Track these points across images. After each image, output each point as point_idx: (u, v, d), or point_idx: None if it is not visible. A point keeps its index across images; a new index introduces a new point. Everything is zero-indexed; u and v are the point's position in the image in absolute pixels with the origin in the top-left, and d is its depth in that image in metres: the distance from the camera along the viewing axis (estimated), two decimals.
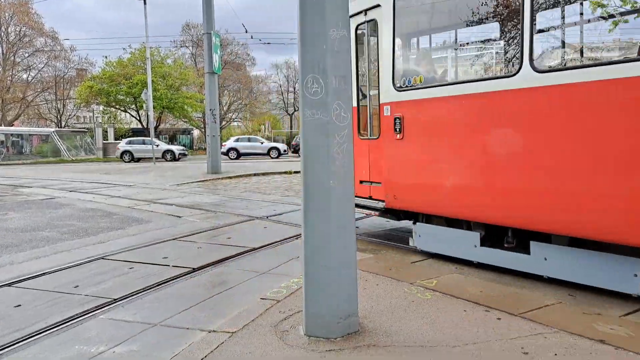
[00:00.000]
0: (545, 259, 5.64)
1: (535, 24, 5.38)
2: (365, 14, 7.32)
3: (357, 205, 7.01)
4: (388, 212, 7.18)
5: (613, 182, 4.71)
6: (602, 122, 4.75)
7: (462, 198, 6.15)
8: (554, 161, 5.14)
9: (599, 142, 4.79)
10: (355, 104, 7.25)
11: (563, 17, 5.97)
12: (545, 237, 5.68)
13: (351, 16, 7.27)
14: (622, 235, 4.71)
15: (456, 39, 7.19)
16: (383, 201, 7.00)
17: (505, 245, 6.20)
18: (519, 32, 5.48)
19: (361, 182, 7.14)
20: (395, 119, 6.84)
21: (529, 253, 5.84)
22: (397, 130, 6.84)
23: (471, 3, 6.35)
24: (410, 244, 7.11)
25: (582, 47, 6.19)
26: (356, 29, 7.43)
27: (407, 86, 6.85)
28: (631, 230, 4.62)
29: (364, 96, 7.46)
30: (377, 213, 7.11)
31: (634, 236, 4.61)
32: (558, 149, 5.09)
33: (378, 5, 7.16)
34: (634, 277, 4.98)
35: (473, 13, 6.45)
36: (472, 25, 6.64)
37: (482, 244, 6.27)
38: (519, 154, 5.42)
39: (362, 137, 7.23)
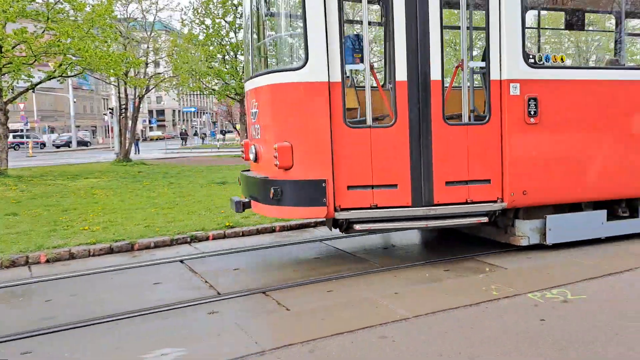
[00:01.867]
0: (587, 221, 6.36)
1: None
2: None
3: (442, 217, 5.65)
4: (504, 214, 6.06)
5: None
6: None
7: (598, 181, 6.22)
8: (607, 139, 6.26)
9: None
10: (439, 77, 5.52)
11: None
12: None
13: None
14: None
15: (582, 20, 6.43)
16: (496, 201, 5.79)
17: (622, 214, 6.33)
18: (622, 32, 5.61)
19: (448, 183, 5.67)
20: (529, 100, 5.58)
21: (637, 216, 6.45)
22: (532, 113, 5.62)
23: None
24: (514, 241, 6.21)
25: None
26: None
27: (544, 63, 5.63)
28: None
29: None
30: (483, 219, 5.82)
31: None
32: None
33: None
34: None
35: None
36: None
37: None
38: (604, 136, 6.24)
39: (451, 123, 5.64)
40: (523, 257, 5.99)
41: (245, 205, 6.13)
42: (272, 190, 5.53)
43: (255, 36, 6.21)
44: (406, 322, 3.92)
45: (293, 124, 5.51)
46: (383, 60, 5.96)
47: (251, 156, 6.20)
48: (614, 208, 6.58)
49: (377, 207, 5.60)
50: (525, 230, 6.20)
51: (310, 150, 5.47)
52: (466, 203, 5.78)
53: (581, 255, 5.97)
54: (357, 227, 5.61)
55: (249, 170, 6.61)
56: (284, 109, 5.57)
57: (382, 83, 6.51)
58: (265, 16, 6.22)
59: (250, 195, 6.11)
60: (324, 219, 6.07)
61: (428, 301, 4.43)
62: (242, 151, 6.89)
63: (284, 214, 5.74)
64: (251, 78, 6.19)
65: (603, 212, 6.40)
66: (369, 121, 5.55)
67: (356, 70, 5.73)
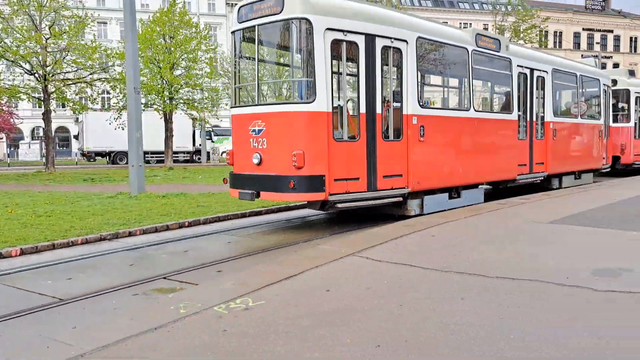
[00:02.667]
0: (465, 197, 11.25)
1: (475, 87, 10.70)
2: (390, 42, 9.31)
3: (382, 197, 9.48)
4: (412, 196, 10.04)
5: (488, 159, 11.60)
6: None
7: (453, 175, 10.77)
8: (477, 150, 11.29)
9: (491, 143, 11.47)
10: (380, 111, 9.31)
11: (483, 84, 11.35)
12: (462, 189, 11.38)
13: (378, 36, 9.10)
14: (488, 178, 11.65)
15: (447, 82, 10.88)
16: (406, 187, 9.79)
17: (454, 196, 11.00)
18: (469, 88, 10.42)
19: (384, 176, 9.49)
20: (420, 126, 9.77)
21: (459, 196, 10.98)
22: (422, 134, 9.83)
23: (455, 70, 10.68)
24: (407, 213, 10.20)
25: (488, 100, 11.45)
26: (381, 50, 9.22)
27: (426, 105, 9.94)
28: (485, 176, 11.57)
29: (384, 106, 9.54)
30: (400, 199, 9.73)
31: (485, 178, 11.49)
32: (480, 145, 11.42)
33: (404, 40, 9.45)
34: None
35: (454, 72, 11.01)
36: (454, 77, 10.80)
37: (448, 199, 10.78)
38: (471, 149, 11.17)
39: (385, 140, 9.45)
40: (213, 271, 6.68)
41: (256, 195, 8.82)
42: (291, 182, 8.42)
43: (260, 74, 8.98)
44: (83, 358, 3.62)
45: (305, 138, 8.51)
46: (356, 97, 9.28)
47: (255, 161, 8.89)
48: (451, 192, 10.99)
49: (348, 193, 8.92)
50: (413, 206, 10.17)
51: (315, 155, 8.52)
52: (392, 189, 9.50)
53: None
54: (339, 205, 8.85)
55: (239, 174, 9.21)
56: (299, 128, 8.52)
57: (353, 113, 9.74)
58: (271, 63, 9.07)
59: (261, 188, 8.80)
60: (305, 202, 9.13)
61: (114, 330, 4.11)
62: (228, 158, 9.46)
63: (299, 198, 8.67)
64: (254, 106, 8.93)
65: (446, 195, 10.81)
66: (345, 137, 8.86)
67: (338, 104, 8.96)
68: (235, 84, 9.72)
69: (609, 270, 5.41)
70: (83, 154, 40.54)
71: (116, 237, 8.95)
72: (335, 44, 8.68)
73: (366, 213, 10.74)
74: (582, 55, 69.11)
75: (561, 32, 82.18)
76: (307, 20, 8.44)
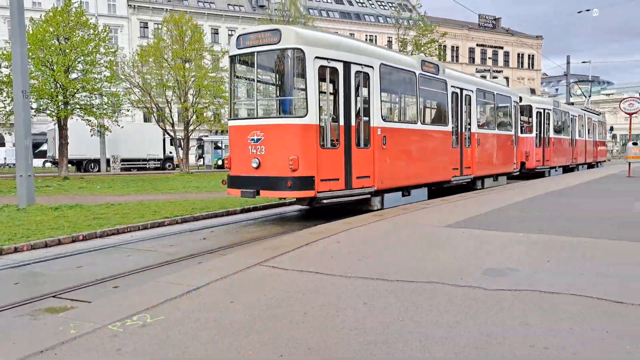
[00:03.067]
0: (414, 195, 13.68)
1: (421, 104, 13.36)
2: (361, 67, 11.49)
3: (355, 195, 11.61)
4: (377, 194, 12.20)
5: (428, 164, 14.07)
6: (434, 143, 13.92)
7: (406, 176, 13.12)
8: (423, 157, 13.82)
9: (433, 150, 14.06)
10: (354, 124, 11.42)
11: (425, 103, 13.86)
12: (412, 188, 13.80)
13: (352, 63, 11.25)
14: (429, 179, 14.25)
15: (401, 100, 13.14)
16: (373, 187, 11.96)
17: (406, 194, 13.35)
18: (417, 105, 13.13)
19: (357, 177, 11.59)
20: (383, 137, 12.01)
21: (409, 194, 13.39)
22: (384, 143, 12.06)
23: (407, 89, 13.15)
24: (371, 208, 12.37)
25: (430, 115, 13.85)
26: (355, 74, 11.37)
27: (387, 119, 12.22)
28: (429, 178, 14.18)
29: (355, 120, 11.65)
30: (368, 196, 11.88)
31: (429, 180, 14.19)
32: (426, 152, 13.91)
33: (371, 66, 11.66)
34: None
35: (406, 91, 13.53)
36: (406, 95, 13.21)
37: (402, 196, 13.09)
38: (419, 155, 13.63)
39: (358, 147, 11.58)
40: (109, 287, 6.47)
41: (256, 193, 10.61)
42: (289, 182, 10.29)
43: (259, 93, 10.82)
44: None
45: (299, 145, 10.41)
46: (336, 113, 11.24)
47: (254, 165, 10.67)
48: (404, 190, 13.26)
49: (330, 191, 10.92)
50: (376, 202, 12.32)
51: (307, 160, 10.45)
52: (362, 187, 11.60)
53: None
54: (324, 201, 10.82)
55: (238, 176, 10.95)
56: (294, 137, 10.42)
57: (334, 125, 11.64)
58: (267, 84, 10.94)
59: (261, 187, 10.58)
60: (295, 199, 11.04)
61: None
62: (226, 163, 11.19)
63: (294, 195, 10.55)
64: (253, 119, 10.74)
65: (399, 193, 13.08)
66: (328, 145, 10.85)
67: (323, 118, 10.93)
68: (232, 100, 11.47)
69: (497, 270, 5.80)
70: (53, 162, 40.07)
71: None
72: (321, 69, 10.68)
73: (339, 207, 12.71)
74: (476, 69, 75.11)
75: (458, 47, 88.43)
76: (301, 50, 10.40)
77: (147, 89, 33.58)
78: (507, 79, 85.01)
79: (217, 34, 68.75)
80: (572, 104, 34.14)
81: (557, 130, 24.58)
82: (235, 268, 6.11)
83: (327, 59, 10.73)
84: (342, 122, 11.10)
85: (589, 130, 30.65)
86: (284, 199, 13.55)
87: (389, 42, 76.59)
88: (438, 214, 10.54)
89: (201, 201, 15.12)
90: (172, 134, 34.31)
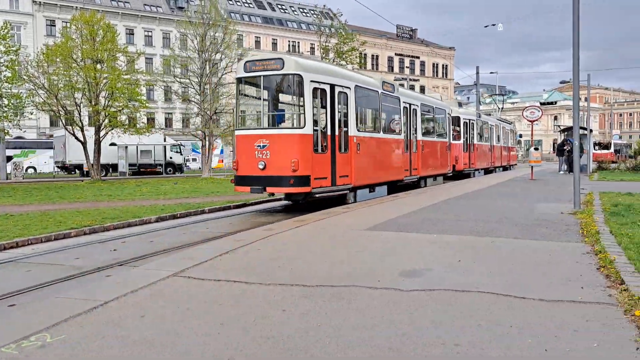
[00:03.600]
0: (377, 192, 16.98)
1: (383, 117, 16.80)
2: (342, 88, 14.46)
3: (338, 190, 14.52)
4: (352, 190, 15.16)
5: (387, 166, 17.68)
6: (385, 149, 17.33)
7: (373, 176, 16.30)
8: (384, 160, 17.30)
9: (391, 155, 17.57)
10: (337, 133, 14.34)
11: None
12: (376, 186, 17.09)
13: (336, 85, 14.20)
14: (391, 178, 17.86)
15: (370, 114, 16.35)
16: (350, 184, 14.91)
17: (372, 191, 16.49)
18: (379, 118, 16.55)
19: (340, 176, 14.50)
20: (358, 144, 15.05)
21: (374, 191, 16.60)
22: (359, 149, 15.10)
23: (373, 105, 16.31)
24: (347, 201, 15.33)
25: (389, 126, 17.10)
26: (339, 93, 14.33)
27: (360, 129, 15.30)
28: (388, 178, 17.66)
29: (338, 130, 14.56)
30: (347, 191, 14.81)
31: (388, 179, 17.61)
32: (386, 156, 17.44)
33: (349, 87, 14.67)
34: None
35: (372, 106, 16.64)
36: (372, 110, 16.37)
37: (369, 192, 16.23)
38: (381, 159, 17.03)
39: (340, 152, 14.48)
40: (4, 306, 6.03)
41: (263, 190, 13.26)
42: (291, 180, 13.03)
43: (264, 108, 13.52)
44: None
45: (298, 151, 13.19)
46: (325, 124, 14.02)
47: (260, 166, 13.31)
48: (370, 187, 16.32)
49: (321, 187, 13.74)
50: (350, 197, 15.27)
51: (305, 162, 13.24)
52: (343, 185, 14.54)
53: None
54: (317, 195, 13.62)
55: (245, 175, 13.54)
56: (294, 144, 13.18)
57: (324, 134, 14.44)
58: (268, 100, 13.67)
59: (267, 185, 13.23)
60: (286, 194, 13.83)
61: None
62: (234, 165, 13.79)
63: (294, 190, 13.27)
64: (260, 129, 13.40)
65: (367, 190, 16.12)
66: (319, 150, 13.68)
67: (316, 129, 13.73)
68: (238, 114, 14.06)
69: (413, 271, 6.01)
70: (64, 167, 40.20)
71: None
72: (314, 90, 13.50)
73: (322, 201, 15.48)
74: (394, 78, 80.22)
75: (377, 56, 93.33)
76: (300, 75, 13.22)
77: (53, 91, 31.37)
78: (423, 87, 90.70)
79: (133, 34, 68.09)
80: (490, 114, 38.69)
81: (480, 138, 28.85)
82: (148, 280, 5.86)
83: (318, 82, 13.60)
84: (329, 132, 13.97)
85: (503, 137, 35.44)
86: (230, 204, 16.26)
87: (312, 49, 79.00)
88: (371, 215, 11.48)
89: (113, 210, 14.74)
90: (81, 138, 32.71)
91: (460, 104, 27.97)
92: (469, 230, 8.89)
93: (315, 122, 13.75)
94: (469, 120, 27.38)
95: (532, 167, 24.54)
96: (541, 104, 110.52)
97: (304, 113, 13.32)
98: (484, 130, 29.86)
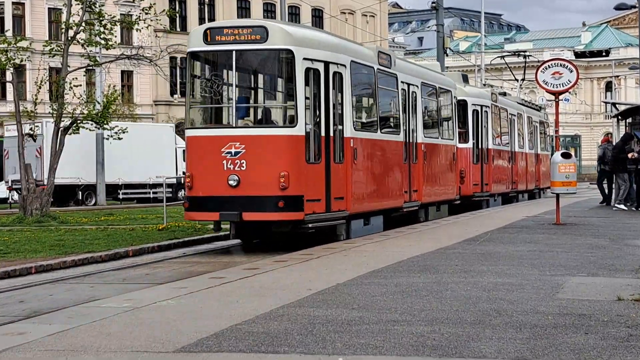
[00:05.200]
0: (372, 224, 26.60)
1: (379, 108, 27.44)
2: (337, 67, 23.57)
3: (333, 219, 23.26)
4: (347, 219, 24.20)
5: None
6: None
7: (370, 199, 26.30)
8: (382, 174, 27.16)
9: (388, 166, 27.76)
10: (332, 135, 23.30)
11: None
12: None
13: (330, 62, 23.18)
14: None
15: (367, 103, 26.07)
16: (346, 210, 23.80)
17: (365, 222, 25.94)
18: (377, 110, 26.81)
19: (335, 198, 23.34)
20: (354, 149, 24.28)
21: (369, 223, 26.22)
22: (355, 157, 24.40)
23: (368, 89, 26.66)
24: (339, 237, 24.18)
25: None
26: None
27: (357, 128, 24.85)
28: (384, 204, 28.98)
29: None
30: (343, 221, 23.68)
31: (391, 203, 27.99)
32: (383, 168, 27.33)
33: (344, 65, 23.89)
34: None
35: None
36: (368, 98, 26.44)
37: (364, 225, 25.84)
38: (380, 172, 26.82)
39: (335, 163, 23.42)
40: None
41: (239, 217, 21.85)
42: (281, 202, 21.72)
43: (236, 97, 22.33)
44: None
45: (288, 160, 21.89)
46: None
47: (232, 183, 21.83)
48: (366, 217, 25.45)
49: (314, 213, 22.57)
50: (342, 230, 24.30)
51: (297, 176, 21.86)
52: (339, 211, 23.63)
53: None
54: (310, 226, 22.44)
55: (207, 196, 22.08)
56: (283, 150, 21.91)
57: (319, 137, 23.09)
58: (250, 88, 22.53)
59: (244, 209, 21.76)
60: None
61: None
62: (188, 182, 22.37)
63: (283, 217, 22.03)
64: (229, 128, 22.14)
65: (362, 220, 25.50)
66: (312, 160, 22.59)
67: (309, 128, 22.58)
68: (192, 105, 22.53)
69: None
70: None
71: None
72: (307, 71, 22.12)
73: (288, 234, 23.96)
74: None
75: None
76: (291, 51, 21.83)
77: None
78: (316, 13, 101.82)
79: None
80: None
81: (497, 138, 37.88)
82: None
83: (312, 59, 22.16)
84: (323, 133, 22.68)
85: (530, 136, 44.78)
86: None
87: None
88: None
89: None
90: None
91: (465, 78, 35.84)
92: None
93: (308, 119, 22.01)
94: (482, 107, 35.61)
95: (557, 196, 27.65)
96: (576, 55, 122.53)
97: (296, 106, 21.83)
98: (502, 125, 38.69)
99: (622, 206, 34.73)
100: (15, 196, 60.13)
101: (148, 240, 28.10)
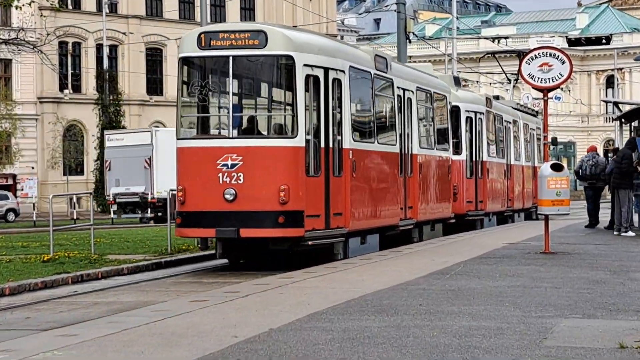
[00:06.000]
0: (368, 243, 32.15)
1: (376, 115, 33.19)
2: (336, 73, 28.91)
3: (332, 236, 28.39)
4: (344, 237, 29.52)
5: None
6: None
7: (368, 215, 31.89)
8: (378, 186, 32.80)
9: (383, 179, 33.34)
10: (331, 145, 28.47)
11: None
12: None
13: (330, 68, 28.45)
14: None
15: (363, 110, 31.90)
16: (345, 227, 29.02)
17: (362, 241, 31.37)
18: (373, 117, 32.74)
19: (334, 214, 28.45)
20: (353, 161, 29.65)
21: (365, 242, 31.70)
22: (354, 170, 29.74)
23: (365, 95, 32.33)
24: (337, 257, 29.40)
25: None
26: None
27: (355, 139, 30.38)
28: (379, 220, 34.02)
29: None
30: (342, 239, 28.81)
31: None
32: (380, 182, 32.89)
33: (343, 71, 29.27)
34: None
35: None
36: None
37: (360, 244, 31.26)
38: (377, 185, 32.45)
39: (334, 176, 28.60)
40: None
41: (237, 233, 26.97)
42: (281, 217, 26.85)
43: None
44: None
45: (288, 172, 26.95)
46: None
47: (228, 197, 26.85)
48: (362, 235, 30.76)
49: (314, 230, 27.70)
50: (339, 249, 29.41)
51: (297, 190, 26.86)
52: (337, 227, 28.88)
53: None
54: (310, 244, 27.59)
55: (201, 211, 27.17)
56: (283, 162, 26.98)
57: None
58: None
59: (241, 225, 26.81)
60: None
61: None
62: (180, 196, 27.50)
63: (282, 234, 27.17)
64: (226, 139, 27.31)
65: (358, 238, 30.78)
66: (312, 172, 27.74)
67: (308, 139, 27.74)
68: (183, 114, 27.51)
69: None
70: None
71: None
72: (307, 78, 27.07)
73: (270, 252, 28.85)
74: None
75: None
76: (291, 57, 26.82)
77: None
78: None
79: None
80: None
81: (493, 149, 42.26)
82: None
83: (312, 65, 26.96)
84: (322, 144, 27.67)
85: (527, 146, 49.20)
86: None
87: None
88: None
89: None
90: None
91: (457, 80, 39.81)
92: None
93: (308, 129, 26.61)
94: (476, 113, 40.00)
95: (546, 218, 29.23)
96: (570, 42, 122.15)
97: (296, 114, 26.59)
98: (498, 134, 43.04)
99: (629, 233, 36.43)
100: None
101: (29, 274, 28.67)
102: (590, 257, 26.77)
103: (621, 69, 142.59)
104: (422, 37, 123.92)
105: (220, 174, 26.31)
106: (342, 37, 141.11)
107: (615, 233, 36.82)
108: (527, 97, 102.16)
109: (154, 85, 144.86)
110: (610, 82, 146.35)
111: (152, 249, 38.42)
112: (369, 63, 30.91)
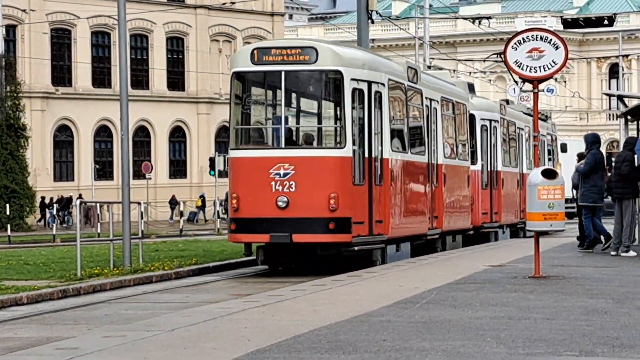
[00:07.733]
0: (402, 250, 42.95)
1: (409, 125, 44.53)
2: (378, 86, 39.20)
3: (374, 242, 38.25)
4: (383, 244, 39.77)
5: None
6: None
7: (404, 223, 42.91)
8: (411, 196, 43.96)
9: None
10: (374, 155, 38.29)
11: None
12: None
13: (372, 82, 38.58)
14: None
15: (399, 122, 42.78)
16: (385, 235, 39.10)
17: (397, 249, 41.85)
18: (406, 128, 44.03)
19: (376, 222, 38.22)
20: (391, 171, 40.09)
21: (400, 249, 42.37)
22: (392, 179, 40.20)
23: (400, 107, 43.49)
24: (376, 263, 39.51)
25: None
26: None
27: (394, 149, 41.19)
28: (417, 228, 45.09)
29: None
30: (382, 246, 38.78)
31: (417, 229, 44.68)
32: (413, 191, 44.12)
33: (383, 84, 39.59)
34: None
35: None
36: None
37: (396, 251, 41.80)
38: (410, 194, 43.47)
39: (376, 185, 38.63)
40: None
41: (290, 238, 37.06)
42: (332, 224, 36.97)
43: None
44: None
45: (338, 181, 37.29)
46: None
47: (281, 204, 36.95)
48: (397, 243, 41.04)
49: (359, 236, 37.89)
50: (378, 255, 39.67)
51: (345, 198, 37.19)
52: (379, 234, 39.36)
53: None
54: (355, 249, 37.83)
55: (256, 218, 37.20)
56: (333, 172, 37.31)
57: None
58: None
59: (293, 231, 36.82)
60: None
61: None
62: (234, 204, 37.67)
63: (332, 239, 37.43)
64: (278, 149, 37.51)
65: (395, 246, 41.13)
66: (357, 181, 37.93)
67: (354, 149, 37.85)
68: (239, 125, 37.28)
69: None
70: None
71: None
72: (353, 91, 36.96)
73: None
74: None
75: None
76: (340, 72, 37.00)
77: None
78: None
79: None
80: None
81: (507, 158, 50.32)
82: None
83: (357, 79, 37.03)
84: (366, 154, 37.52)
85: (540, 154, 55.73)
86: None
87: None
88: None
89: None
90: None
91: (471, 87, 47.28)
92: None
93: (354, 140, 35.71)
94: (490, 121, 47.72)
95: (536, 235, 30.53)
96: (565, 24, 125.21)
97: (344, 126, 36.16)
98: (511, 142, 50.70)
99: (631, 253, 38.52)
100: None
101: None
102: (589, 282, 27.50)
103: (627, 55, 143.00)
104: (388, 17, 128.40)
105: (272, 183, 34.65)
106: (290, 15, 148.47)
107: (613, 253, 38.92)
108: (514, 89, 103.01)
109: (61, 74, 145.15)
110: (614, 72, 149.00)
111: (57, 273, 42.75)
112: (403, 74, 39.58)
